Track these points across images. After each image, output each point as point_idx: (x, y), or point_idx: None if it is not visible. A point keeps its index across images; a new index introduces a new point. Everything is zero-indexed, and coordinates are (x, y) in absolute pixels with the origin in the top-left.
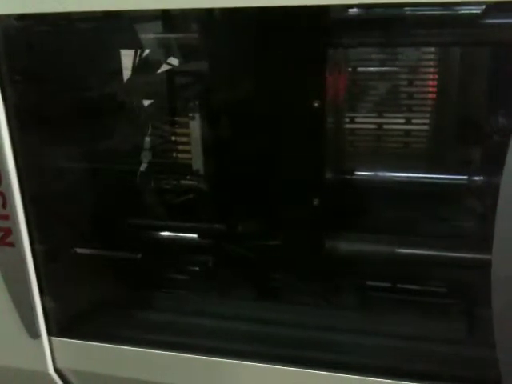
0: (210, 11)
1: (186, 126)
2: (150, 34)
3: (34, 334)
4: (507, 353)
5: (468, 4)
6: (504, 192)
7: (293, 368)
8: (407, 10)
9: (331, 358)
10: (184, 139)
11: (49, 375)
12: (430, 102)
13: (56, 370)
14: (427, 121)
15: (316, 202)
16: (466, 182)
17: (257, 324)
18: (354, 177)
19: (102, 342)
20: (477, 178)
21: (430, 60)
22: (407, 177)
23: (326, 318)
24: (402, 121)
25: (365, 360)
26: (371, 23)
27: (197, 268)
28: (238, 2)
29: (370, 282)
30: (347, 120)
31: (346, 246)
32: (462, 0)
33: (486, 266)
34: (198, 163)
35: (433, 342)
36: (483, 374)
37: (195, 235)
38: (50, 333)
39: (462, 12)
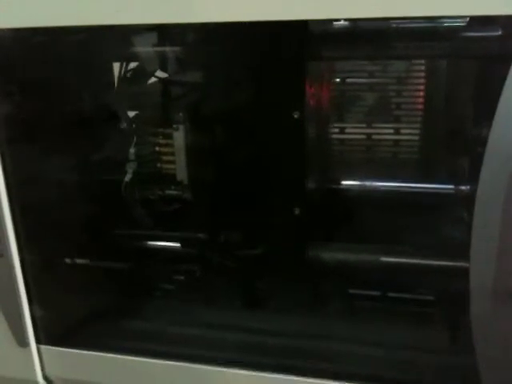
0: (191, 25)
1: (170, 136)
2: (142, 47)
3: (23, 343)
4: (486, 361)
5: (451, 17)
6: (479, 201)
7: (282, 376)
8: (390, 23)
9: (319, 366)
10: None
11: (37, 383)
12: (415, 113)
13: (45, 378)
14: (413, 131)
15: (297, 211)
16: (452, 191)
17: (246, 332)
18: (339, 187)
19: (91, 351)
20: (463, 188)
21: (415, 72)
22: (393, 186)
23: (313, 327)
24: (390, 131)
25: (353, 368)
26: (352, 36)
27: (183, 277)
28: (227, 17)
29: (356, 291)
30: (331, 130)
31: (331, 255)
32: (444, 14)
33: None
34: (181, 173)
35: (419, 350)
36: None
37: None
38: (39, 341)
39: (446, 25)
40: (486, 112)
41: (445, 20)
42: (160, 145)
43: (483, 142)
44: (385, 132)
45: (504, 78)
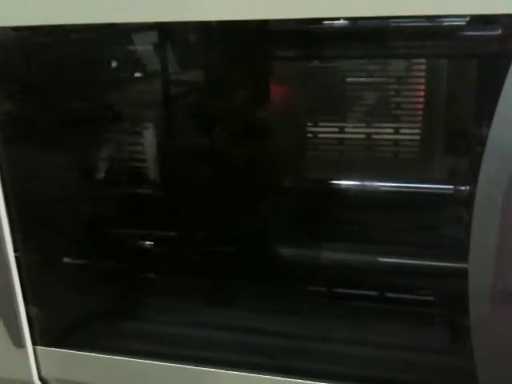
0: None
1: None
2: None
3: (19, 344)
4: (485, 362)
5: (451, 16)
6: (479, 201)
7: (279, 377)
8: (389, 22)
9: (317, 367)
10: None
11: None
12: (414, 113)
13: (41, 379)
14: (411, 130)
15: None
16: (452, 191)
17: (244, 334)
18: (339, 186)
19: (87, 352)
20: (463, 188)
21: (413, 71)
22: (392, 186)
23: (312, 328)
24: (390, 130)
25: (350, 369)
26: (351, 35)
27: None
28: (225, 15)
29: (353, 291)
30: (329, 130)
31: (330, 255)
32: (444, 13)
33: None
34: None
35: (417, 351)
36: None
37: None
38: (34, 342)
39: (446, 24)
40: (486, 112)
41: (444, 19)
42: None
43: (483, 142)
44: (385, 132)
45: (504, 78)
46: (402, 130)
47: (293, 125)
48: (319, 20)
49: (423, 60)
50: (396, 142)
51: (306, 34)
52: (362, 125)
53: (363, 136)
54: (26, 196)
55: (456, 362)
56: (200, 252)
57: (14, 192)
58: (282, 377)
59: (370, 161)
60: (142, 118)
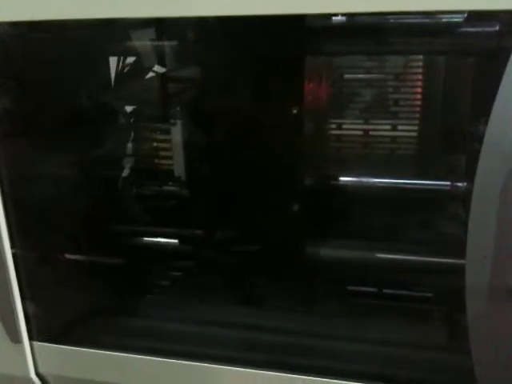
0: (188, 19)
1: (168, 132)
2: (140, 41)
3: (16, 339)
4: (482, 359)
5: (449, 12)
6: (476, 197)
7: (278, 373)
8: (388, 18)
9: (316, 363)
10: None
11: (30, 380)
12: (413, 109)
13: (38, 374)
14: (410, 127)
15: (296, 208)
16: (449, 188)
17: (243, 330)
18: (337, 183)
19: (84, 348)
20: (460, 185)
21: (412, 68)
22: (391, 183)
23: (311, 324)
24: (388, 127)
25: (349, 365)
26: (351, 31)
27: (179, 274)
28: (225, 11)
29: (353, 288)
30: (330, 126)
31: (329, 252)
32: (441, 9)
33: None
34: (179, 170)
35: (416, 348)
36: (462, 380)
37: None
38: (31, 338)
39: (444, 20)
40: (484, 108)
41: (442, 15)
42: (158, 140)
43: (480, 139)
44: (382, 128)
45: (501, 74)
46: (400, 127)
47: (313, 122)
48: (317, 16)
49: (426, 57)
50: (394, 139)
51: (306, 30)
52: (360, 121)
53: (361, 133)
54: (23, 192)
55: (454, 359)
56: (203, 249)
57: (11, 187)
58: (283, 373)
59: (368, 157)
60: (161, 114)
